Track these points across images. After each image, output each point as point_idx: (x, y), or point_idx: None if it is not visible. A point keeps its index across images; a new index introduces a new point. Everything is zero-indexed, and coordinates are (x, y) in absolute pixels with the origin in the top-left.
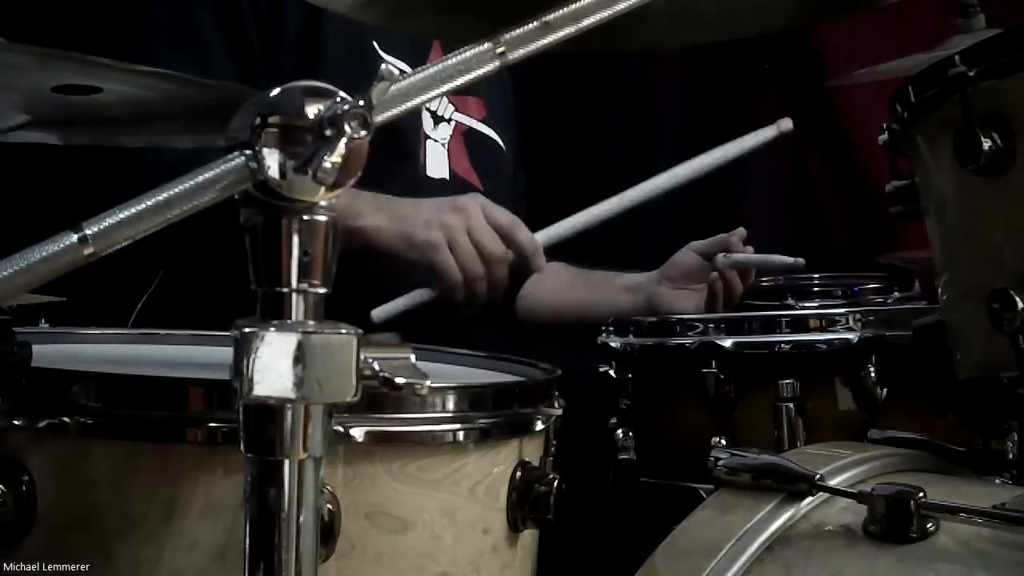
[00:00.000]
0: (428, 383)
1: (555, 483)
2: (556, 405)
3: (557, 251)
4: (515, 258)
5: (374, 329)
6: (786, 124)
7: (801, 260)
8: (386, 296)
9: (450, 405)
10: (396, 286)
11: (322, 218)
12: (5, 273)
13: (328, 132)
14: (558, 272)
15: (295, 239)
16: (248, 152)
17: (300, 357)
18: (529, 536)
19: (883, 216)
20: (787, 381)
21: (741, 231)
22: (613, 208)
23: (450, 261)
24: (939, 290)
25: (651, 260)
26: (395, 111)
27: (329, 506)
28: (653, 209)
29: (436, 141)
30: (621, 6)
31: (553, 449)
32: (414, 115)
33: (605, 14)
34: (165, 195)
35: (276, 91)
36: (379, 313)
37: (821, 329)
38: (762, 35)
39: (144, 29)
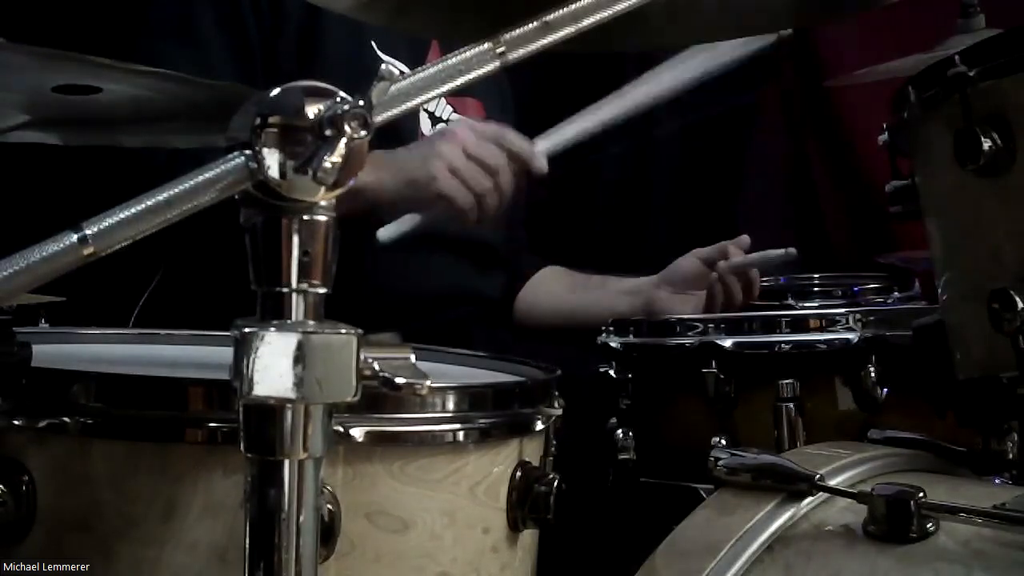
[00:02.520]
0: (428, 383)
1: (555, 483)
2: (556, 405)
3: (556, 256)
4: (514, 164)
5: (381, 249)
6: (791, 252)
7: (792, 249)
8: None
9: (450, 405)
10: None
11: (322, 218)
12: (5, 273)
13: (328, 132)
14: (556, 276)
15: (295, 239)
16: (248, 152)
17: (300, 357)
18: (529, 536)
19: (883, 216)
20: (787, 381)
21: (744, 239)
22: (611, 113)
23: (457, 186)
24: (939, 290)
25: (651, 266)
26: (395, 111)
27: (329, 506)
28: (653, 211)
29: None
30: (621, 6)
31: (553, 449)
32: (412, 116)
33: (605, 14)
34: (165, 195)
35: (276, 91)
36: (384, 233)
37: (821, 329)
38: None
39: (144, 28)
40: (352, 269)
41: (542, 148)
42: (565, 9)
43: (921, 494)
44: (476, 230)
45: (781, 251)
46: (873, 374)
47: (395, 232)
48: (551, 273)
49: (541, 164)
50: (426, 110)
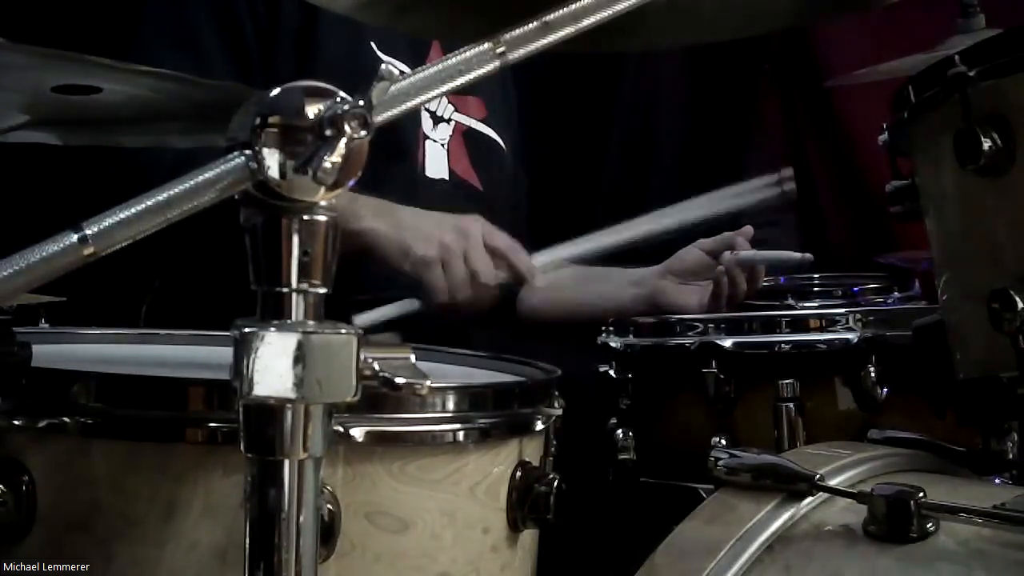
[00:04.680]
0: (428, 383)
1: (555, 483)
2: (556, 405)
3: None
4: (511, 279)
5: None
6: (807, 257)
7: (809, 256)
8: (369, 297)
9: (450, 405)
10: (381, 288)
11: (322, 218)
12: (5, 273)
13: (328, 132)
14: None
15: (295, 239)
16: (248, 152)
17: (300, 357)
18: (529, 536)
19: (883, 216)
20: (787, 381)
21: (748, 230)
22: (610, 242)
23: (441, 282)
24: (939, 290)
25: (654, 258)
26: (395, 111)
27: (329, 506)
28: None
29: (435, 141)
30: (621, 6)
31: (553, 449)
32: (413, 115)
33: (605, 14)
34: (165, 195)
35: (276, 91)
36: (361, 321)
37: (821, 329)
38: (762, 35)
39: (140, 30)
40: (353, 269)
41: (542, 262)
42: (565, 9)
43: (921, 494)
44: None
45: (797, 255)
46: (873, 374)
47: (373, 320)
48: None
49: (538, 285)
50: (427, 109)
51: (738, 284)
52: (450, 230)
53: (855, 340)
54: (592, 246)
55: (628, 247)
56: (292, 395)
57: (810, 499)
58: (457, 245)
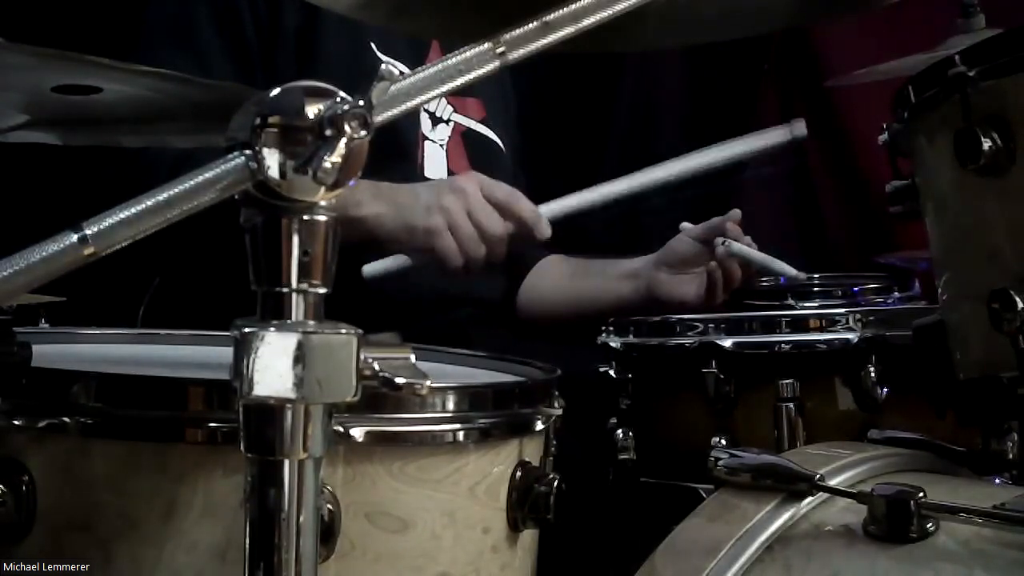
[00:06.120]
0: (428, 383)
1: (555, 483)
2: (556, 405)
3: (555, 243)
4: (517, 229)
5: (365, 290)
6: (799, 128)
7: (803, 274)
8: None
9: (450, 405)
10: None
11: (322, 218)
12: (5, 273)
13: (328, 132)
14: (556, 264)
15: (295, 239)
16: (248, 152)
17: (300, 357)
18: (529, 536)
19: (883, 216)
20: (787, 381)
21: (735, 214)
22: (618, 190)
23: (452, 246)
24: (939, 290)
25: (643, 251)
26: (395, 111)
27: (329, 506)
28: (650, 209)
29: (434, 142)
30: (621, 6)
31: (553, 449)
32: (412, 116)
33: (605, 14)
34: (165, 195)
35: (276, 91)
36: (370, 269)
37: (821, 329)
38: (762, 35)
39: (141, 30)
40: (353, 269)
41: (547, 213)
42: (565, 9)
43: (921, 494)
44: None
45: (792, 270)
46: (873, 374)
47: (381, 270)
48: (551, 262)
49: (544, 231)
50: (426, 110)
51: (732, 272)
52: (447, 192)
53: (855, 340)
54: (596, 196)
55: (634, 196)
56: (292, 395)
57: (810, 499)
58: (458, 205)
